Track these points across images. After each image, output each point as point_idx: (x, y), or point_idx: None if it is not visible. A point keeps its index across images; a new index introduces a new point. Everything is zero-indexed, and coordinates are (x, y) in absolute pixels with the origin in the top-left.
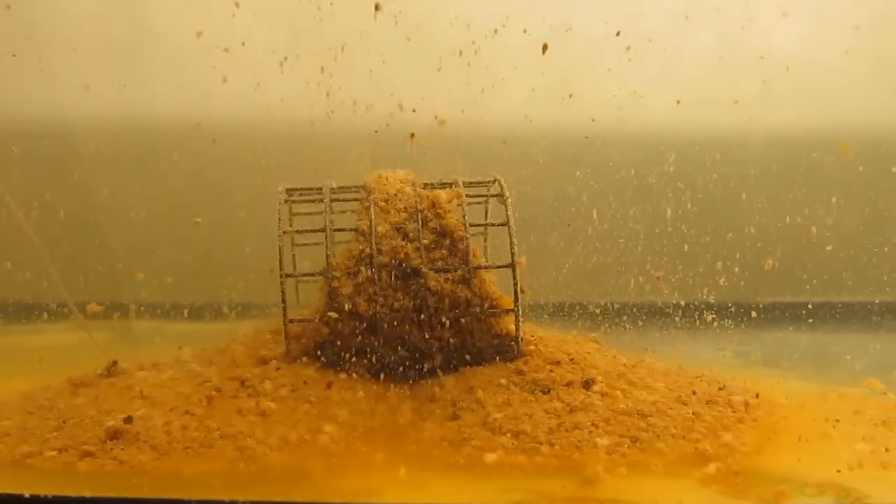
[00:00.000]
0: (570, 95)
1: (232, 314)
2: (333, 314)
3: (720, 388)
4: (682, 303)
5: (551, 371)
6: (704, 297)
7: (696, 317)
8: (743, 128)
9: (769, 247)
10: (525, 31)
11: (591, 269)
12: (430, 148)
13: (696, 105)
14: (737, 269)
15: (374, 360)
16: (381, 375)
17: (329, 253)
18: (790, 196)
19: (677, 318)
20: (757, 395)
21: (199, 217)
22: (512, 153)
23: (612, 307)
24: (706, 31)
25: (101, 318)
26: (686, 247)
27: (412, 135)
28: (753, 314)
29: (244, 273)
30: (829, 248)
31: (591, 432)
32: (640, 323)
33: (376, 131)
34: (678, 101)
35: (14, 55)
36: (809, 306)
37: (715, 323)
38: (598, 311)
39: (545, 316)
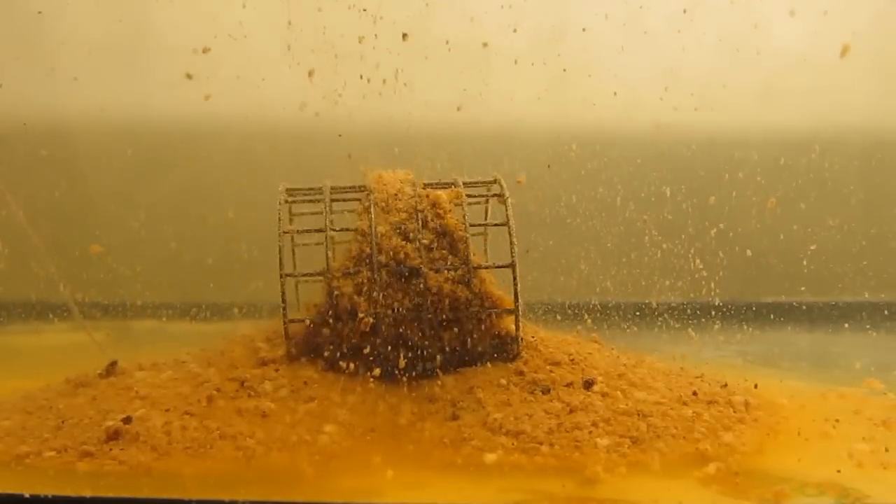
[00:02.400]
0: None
1: (232, 314)
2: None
3: (722, 386)
4: (682, 303)
5: (551, 371)
6: (705, 297)
7: (697, 316)
8: (744, 127)
9: (770, 246)
10: (515, 31)
11: (590, 269)
12: (430, 148)
13: (696, 105)
14: (737, 269)
15: (373, 360)
16: (381, 375)
17: (329, 253)
18: (790, 196)
19: (676, 318)
20: (756, 386)
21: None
22: (512, 152)
23: (612, 307)
24: (708, 30)
25: (101, 318)
26: (685, 246)
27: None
28: (754, 314)
29: (244, 273)
30: (813, 247)
31: (591, 432)
32: (640, 323)
33: (340, 135)
34: (675, 100)
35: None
36: (809, 306)
37: (715, 323)
38: (597, 310)
39: (540, 312)
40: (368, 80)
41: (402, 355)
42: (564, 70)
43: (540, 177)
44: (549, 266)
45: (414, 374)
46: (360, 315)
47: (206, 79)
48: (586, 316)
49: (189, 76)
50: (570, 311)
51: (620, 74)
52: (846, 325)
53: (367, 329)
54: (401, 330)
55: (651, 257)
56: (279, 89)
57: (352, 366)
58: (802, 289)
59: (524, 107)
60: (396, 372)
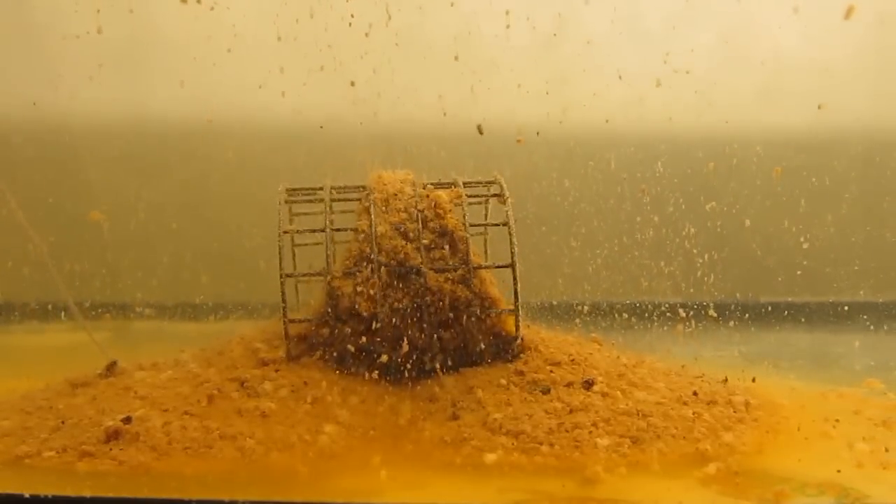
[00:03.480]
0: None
1: (232, 314)
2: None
3: (722, 382)
4: (683, 303)
5: (551, 371)
6: (705, 296)
7: (697, 317)
8: (744, 127)
9: (770, 246)
10: (508, 27)
11: (590, 269)
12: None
13: (695, 105)
14: (737, 268)
15: (373, 360)
16: (382, 375)
17: (329, 253)
18: (790, 195)
19: (677, 318)
20: (754, 380)
21: None
22: (510, 153)
23: (612, 307)
24: (708, 29)
25: (101, 318)
26: (685, 246)
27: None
28: (753, 314)
29: (244, 273)
30: (805, 245)
31: (591, 432)
32: (640, 323)
33: (321, 127)
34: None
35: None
36: (809, 306)
37: (715, 323)
38: (597, 311)
39: (538, 308)
40: (367, 34)
41: (405, 341)
42: (555, 35)
43: (538, 176)
44: (544, 259)
45: (414, 370)
46: (359, 297)
47: (196, 61)
48: (583, 308)
49: (184, 0)
50: (565, 307)
51: (619, 74)
52: (846, 326)
53: (368, 313)
54: (401, 328)
55: (650, 255)
56: (280, 89)
57: (357, 354)
58: (799, 272)
59: (522, 107)
60: (399, 360)
